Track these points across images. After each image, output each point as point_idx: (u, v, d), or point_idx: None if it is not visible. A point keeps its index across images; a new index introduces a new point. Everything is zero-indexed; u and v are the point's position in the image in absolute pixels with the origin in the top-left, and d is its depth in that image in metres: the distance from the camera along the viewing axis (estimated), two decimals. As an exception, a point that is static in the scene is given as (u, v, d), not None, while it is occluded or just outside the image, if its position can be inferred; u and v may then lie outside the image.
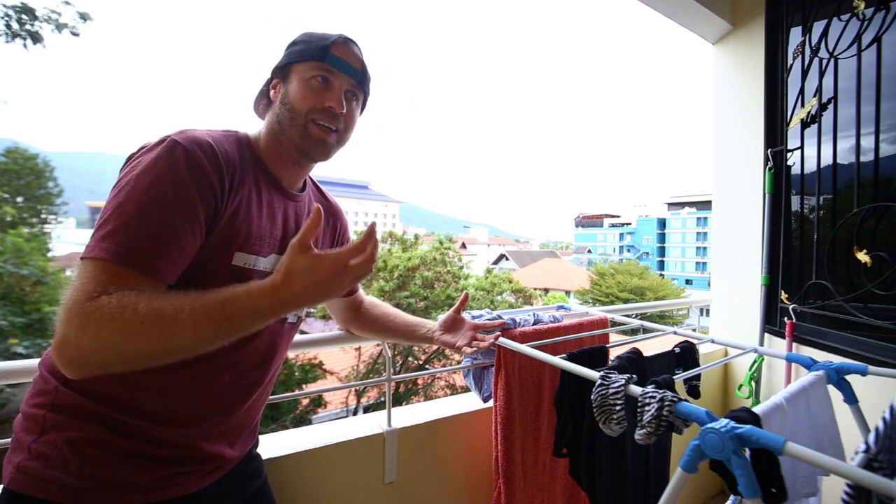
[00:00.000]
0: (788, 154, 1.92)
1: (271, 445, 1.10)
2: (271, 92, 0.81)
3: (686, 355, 1.24)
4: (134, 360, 0.57)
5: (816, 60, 1.79)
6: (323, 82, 0.78)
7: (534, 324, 1.39)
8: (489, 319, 1.27)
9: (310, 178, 0.94)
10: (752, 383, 1.93)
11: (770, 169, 1.95)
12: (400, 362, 7.11)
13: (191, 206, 0.65)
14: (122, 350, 0.56)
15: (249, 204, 0.75)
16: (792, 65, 1.91)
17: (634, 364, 1.04)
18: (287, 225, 0.83)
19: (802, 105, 1.85)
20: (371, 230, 0.66)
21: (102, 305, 0.56)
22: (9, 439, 0.71)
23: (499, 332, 1.23)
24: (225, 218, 0.71)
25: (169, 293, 0.60)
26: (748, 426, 0.69)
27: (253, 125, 0.85)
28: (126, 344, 0.56)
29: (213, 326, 0.59)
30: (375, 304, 1.16)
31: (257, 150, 0.80)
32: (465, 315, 1.32)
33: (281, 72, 0.80)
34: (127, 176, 0.64)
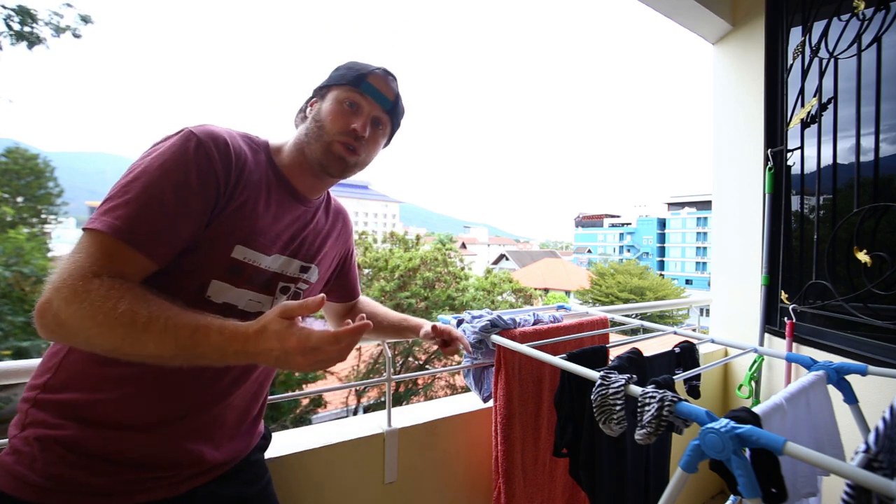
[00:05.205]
0: (788, 154, 1.92)
1: (272, 445, 1.10)
2: (308, 109, 0.85)
3: (686, 355, 1.24)
4: (97, 348, 0.59)
5: (816, 60, 1.79)
6: (352, 107, 0.81)
7: (534, 324, 1.39)
8: (489, 320, 1.27)
9: None
10: (752, 383, 1.93)
11: (770, 169, 1.95)
12: (400, 362, 7.11)
13: (192, 193, 0.68)
14: (90, 336, 0.58)
15: (256, 202, 0.76)
16: (792, 65, 1.91)
17: (634, 364, 1.04)
18: (296, 228, 0.84)
19: (802, 105, 1.84)
20: (359, 328, 0.61)
21: (91, 290, 0.58)
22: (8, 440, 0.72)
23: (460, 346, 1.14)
24: (229, 210, 0.73)
25: (153, 298, 0.61)
26: (748, 426, 0.69)
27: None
28: (95, 333, 0.57)
29: (177, 348, 0.58)
30: (367, 303, 1.16)
31: (276, 157, 0.83)
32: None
33: (320, 92, 0.85)
34: (140, 159, 0.68)
